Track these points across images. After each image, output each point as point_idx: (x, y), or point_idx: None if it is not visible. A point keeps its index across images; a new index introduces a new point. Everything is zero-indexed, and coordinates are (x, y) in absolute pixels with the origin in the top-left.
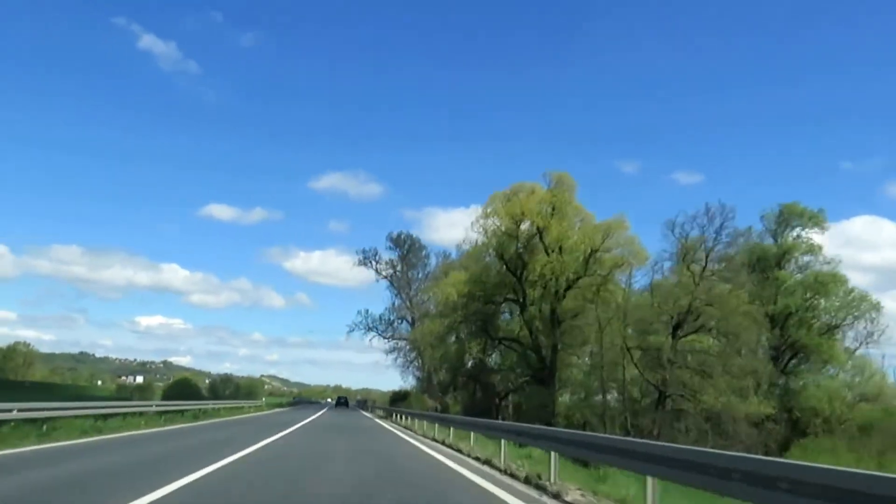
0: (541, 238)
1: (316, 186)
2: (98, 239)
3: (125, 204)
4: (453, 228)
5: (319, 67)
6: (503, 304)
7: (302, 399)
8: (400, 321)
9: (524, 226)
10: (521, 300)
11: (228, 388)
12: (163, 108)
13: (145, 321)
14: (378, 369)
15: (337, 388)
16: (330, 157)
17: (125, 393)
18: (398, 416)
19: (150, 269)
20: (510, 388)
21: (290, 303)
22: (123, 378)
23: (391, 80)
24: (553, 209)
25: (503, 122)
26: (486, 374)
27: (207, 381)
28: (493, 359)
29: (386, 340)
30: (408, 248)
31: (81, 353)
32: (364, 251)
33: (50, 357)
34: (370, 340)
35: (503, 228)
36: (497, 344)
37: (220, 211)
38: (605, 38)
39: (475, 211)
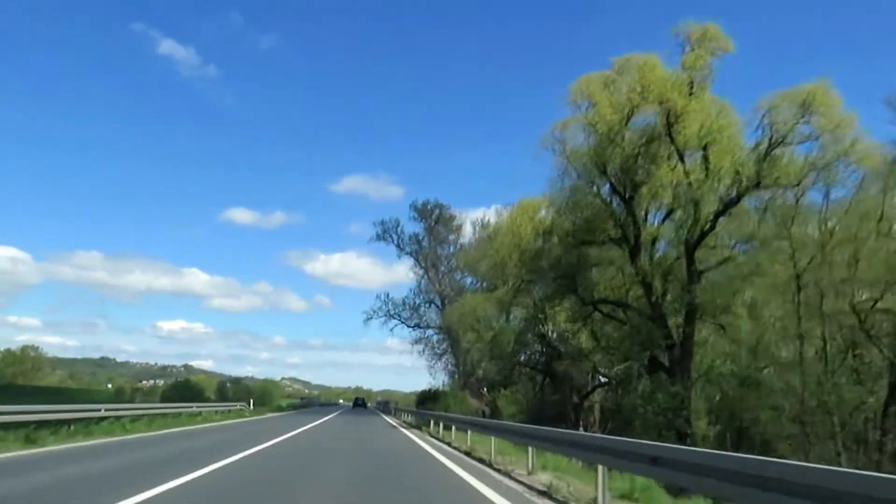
0: (670, 135)
1: (336, 189)
2: (119, 244)
3: (145, 209)
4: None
5: (339, 68)
6: (603, 248)
7: (312, 401)
8: (427, 305)
9: (638, 118)
10: (631, 240)
11: (238, 391)
12: (183, 113)
13: (167, 326)
14: (399, 370)
15: (357, 390)
16: (350, 159)
17: (124, 396)
18: (437, 426)
19: (171, 273)
20: (600, 381)
21: (310, 305)
22: (144, 382)
23: (411, 79)
24: (692, 85)
25: (524, 118)
26: (562, 361)
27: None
28: (570, 340)
29: (410, 329)
30: (436, 219)
31: (102, 357)
32: (383, 222)
33: (72, 362)
34: (392, 329)
35: (601, 129)
36: (591, 311)
37: (241, 215)
38: (621, 28)
39: (496, 211)
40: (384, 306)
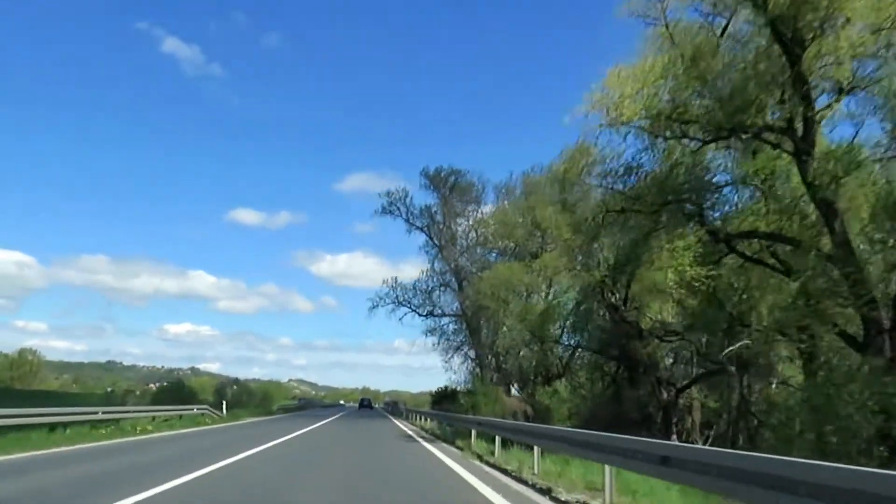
0: None
1: (341, 188)
2: (125, 247)
3: (150, 211)
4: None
5: (344, 66)
6: (750, 143)
7: (312, 402)
8: (442, 289)
9: None
10: (799, 127)
11: (238, 392)
12: (187, 112)
13: (174, 329)
14: (407, 371)
15: (364, 391)
16: (355, 158)
17: (116, 400)
18: (486, 441)
19: (177, 276)
20: (708, 368)
21: (317, 307)
22: (151, 385)
23: (416, 76)
24: None
25: (533, 112)
26: (645, 342)
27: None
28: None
29: (422, 318)
30: (451, 187)
31: (109, 361)
32: (389, 193)
33: (79, 366)
34: (401, 319)
35: None
36: (724, 253)
37: (246, 215)
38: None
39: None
40: (392, 292)
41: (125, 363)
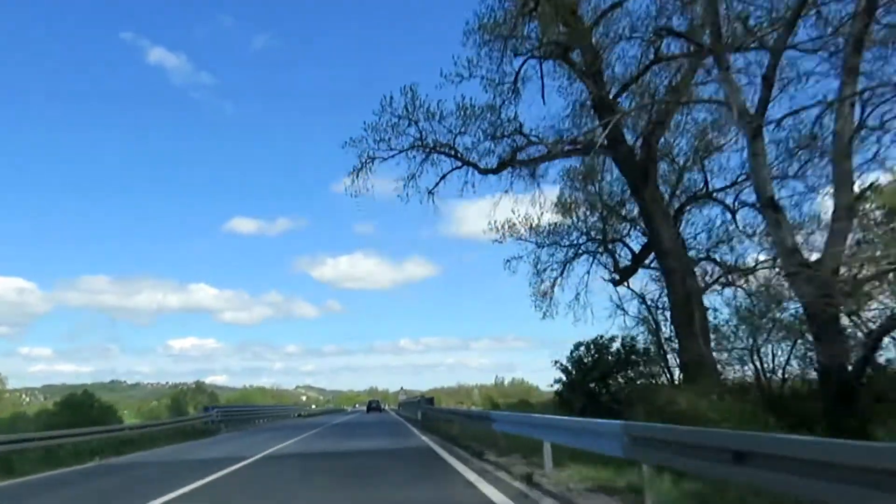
0: None
1: (339, 189)
2: (125, 266)
3: (148, 227)
4: (483, 219)
5: (336, 63)
6: None
7: (275, 409)
8: (543, 77)
9: None
10: None
11: (202, 402)
12: (177, 122)
13: (178, 344)
14: (415, 370)
15: (372, 392)
16: (353, 157)
17: (22, 423)
18: None
19: (179, 290)
20: None
21: (322, 311)
22: (156, 403)
23: (412, 71)
24: None
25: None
26: None
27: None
28: None
29: (484, 175)
30: None
31: (113, 381)
32: None
33: (81, 389)
34: (431, 191)
35: None
36: None
37: (244, 224)
38: None
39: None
40: (406, 121)
41: (130, 382)
